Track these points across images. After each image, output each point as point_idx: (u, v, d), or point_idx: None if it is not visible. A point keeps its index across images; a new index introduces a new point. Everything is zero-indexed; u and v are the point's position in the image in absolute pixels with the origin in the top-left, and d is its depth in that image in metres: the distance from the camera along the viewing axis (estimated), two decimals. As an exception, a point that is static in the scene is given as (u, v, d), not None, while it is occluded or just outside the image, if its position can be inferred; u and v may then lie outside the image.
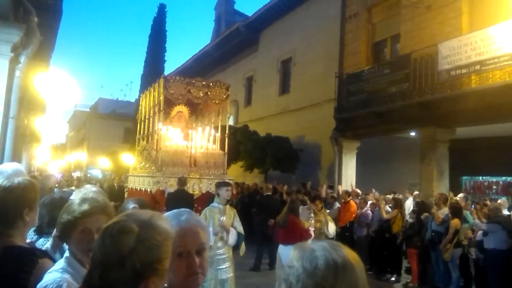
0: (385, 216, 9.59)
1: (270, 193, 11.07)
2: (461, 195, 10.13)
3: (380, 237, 9.72)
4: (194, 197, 9.41)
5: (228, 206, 6.35)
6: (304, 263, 1.24)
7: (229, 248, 6.14)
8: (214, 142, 11.05)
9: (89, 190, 2.67)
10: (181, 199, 8.37)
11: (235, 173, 16.04)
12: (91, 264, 1.28)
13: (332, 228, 7.96)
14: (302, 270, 1.23)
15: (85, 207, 1.99)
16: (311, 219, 7.75)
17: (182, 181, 9.01)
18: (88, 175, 38.22)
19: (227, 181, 7.05)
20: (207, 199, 8.98)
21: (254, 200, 12.31)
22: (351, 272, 1.23)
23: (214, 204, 6.21)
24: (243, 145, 16.21)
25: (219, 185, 6.42)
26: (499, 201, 9.35)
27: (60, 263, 1.90)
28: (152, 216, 1.31)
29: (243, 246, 6.33)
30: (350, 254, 1.28)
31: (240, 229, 6.27)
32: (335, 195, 11.84)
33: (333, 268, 1.21)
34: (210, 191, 9.77)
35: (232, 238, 6.03)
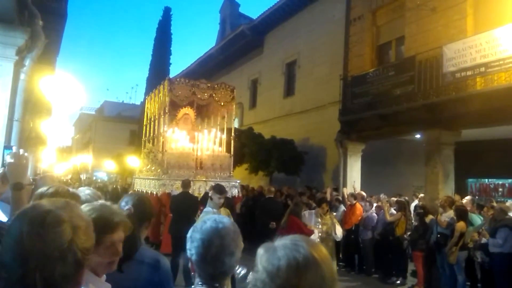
0: (388, 218, 9.56)
1: (272, 196, 11.03)
2: (468, 197, 10.08)
3: (385, 240, 9.68)
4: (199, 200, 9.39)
5: (223, 208, 6.17)
6: (267, 266, 1.22)
7: None
8: (220, 144, 11.05)
9: (83, 192, 2.60)
10: (185, 202, 8.35)
11: (240, 175, 16.03)
12: (20, 267, 1.09)
13: (339, 231, 7.88)
14: (265, 274, 1.21)
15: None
16: (318, 224, 7.71)
17: (185, 184, 8.97)
18: (94, 178, 38.38)
19: (222, 187, 6.75)
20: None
21: (258, 202, 12.29)
22: (315, 269, 1.20)
23: (208, 209, 6.00)
24: (248, 148, 16.22)
25: (214, 189, 6.17)
26: (507, 203, 9.28)
27: None
28: (66, 202, 1.24)
29: None
30: (313, 249, 1.24)
31: None
32: (340, 197, 11.80)
33: (294, 268, 1.19)
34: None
35: None
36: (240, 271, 2.41)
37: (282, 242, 1.27)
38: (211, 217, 1.85)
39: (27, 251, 1.08)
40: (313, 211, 8.20)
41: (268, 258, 1.23)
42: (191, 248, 1.76)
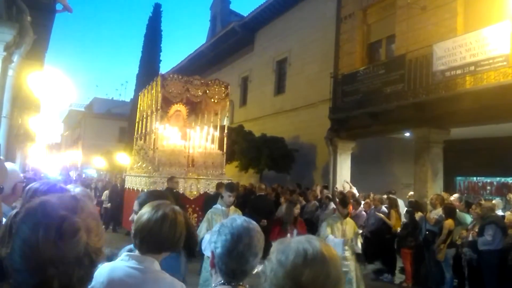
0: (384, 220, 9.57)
1: (263, 193, 10.99)
2: (455, 195, 10.16)
3: (375, 237, 9.72)
4: (192, 198, 9.30)
5: (233, 207, 6.15)
6: (277, 254, 1.30)
7: None
8: (213, 141, 10.94)
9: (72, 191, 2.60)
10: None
11: (230, 173, 16.00)
12: (37, 275, 1.06)
13: (359, 242, 6.69)
14: (275, 261, 1.29)
15: None
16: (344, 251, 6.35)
17: (169, 180, 8.83)
18: (83, 175, 38.10)
19: (233, 185, 6.77)
20: (204, 200, 8.89)
21: (248, 200, 12.26)
22: (322, 263, 1.26)
23: (217, 206, 6.03)
24: (238, 145, 16.20)
25: (225, 187, 6.26)
26: (493, 201, 9.38)
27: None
28: (76, 199, 1.21)
29: None
30: (324, 248, 1.30)
31: None
32: (330, 195, 11.85)
33: (302, 257, 1.25)
34: (208, 191, 9.67)
35: None
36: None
37: (297, 238, 1.35)
38: (240, 216, 1.90)
39: (45, 260, 1.06)
40: (341, 240, 6.37)
41: (280, 248, 1.31)
42: (218, 241, 1.78)
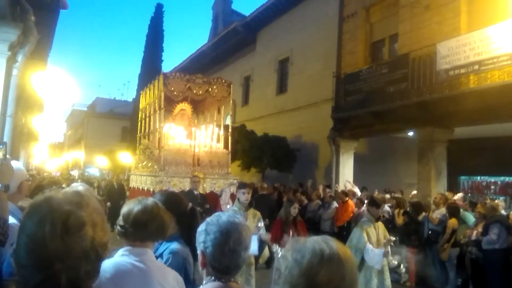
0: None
1: (265, 193, 10.98)
2: (459, 194, 10.14)
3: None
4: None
5: (252, 210, 5.89)
6: (294, 254, 1.31)
7: (250, 256, 5.56)
8: (218, 140, 10.89)
9: (75, 188, 2.60)
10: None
11: (233, 172, 15.93)
12: (43, 270, 1.07)
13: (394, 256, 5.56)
14: (291, 259, 1.30)
15: None
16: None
17: (191, 181, 8.95)
18: (86, 174, 38.18)
19: (244, 182, 6.66)
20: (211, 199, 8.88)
21: (251, 199, 12.24)
22: (338, 264, 1.26)
23: (235, 208, 5.73)
24: (240, 145, 16.21)
25: (237, 186, 6.12)
26: (496, 201, 9.35)
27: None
28: (80, 195, 1.22)
29: (265, 253, 6.00)
30: (341, 249, 1.31)
31: (264, 236, 5.67)
32: (333, 194, 11.85)
33: (319, 257, 1.26)
34: (214, 191, 9.66)
35: (253, 246, 5.05)
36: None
37: (314, 238, 1.35)
38: (224, 213, 1.93)
39: (51, 255, 1.07)
40: (381, 251, 5.36)
41: (296, 247, 1.32)
42: (207, 240, 1.81)
